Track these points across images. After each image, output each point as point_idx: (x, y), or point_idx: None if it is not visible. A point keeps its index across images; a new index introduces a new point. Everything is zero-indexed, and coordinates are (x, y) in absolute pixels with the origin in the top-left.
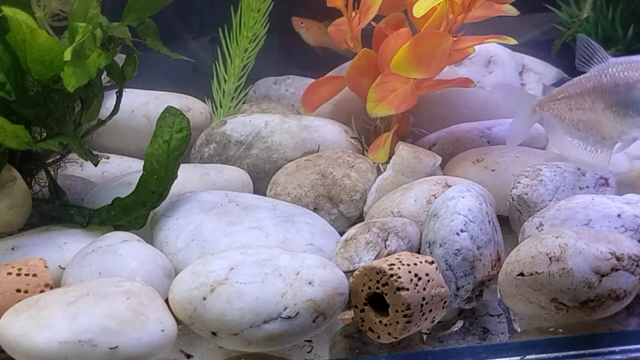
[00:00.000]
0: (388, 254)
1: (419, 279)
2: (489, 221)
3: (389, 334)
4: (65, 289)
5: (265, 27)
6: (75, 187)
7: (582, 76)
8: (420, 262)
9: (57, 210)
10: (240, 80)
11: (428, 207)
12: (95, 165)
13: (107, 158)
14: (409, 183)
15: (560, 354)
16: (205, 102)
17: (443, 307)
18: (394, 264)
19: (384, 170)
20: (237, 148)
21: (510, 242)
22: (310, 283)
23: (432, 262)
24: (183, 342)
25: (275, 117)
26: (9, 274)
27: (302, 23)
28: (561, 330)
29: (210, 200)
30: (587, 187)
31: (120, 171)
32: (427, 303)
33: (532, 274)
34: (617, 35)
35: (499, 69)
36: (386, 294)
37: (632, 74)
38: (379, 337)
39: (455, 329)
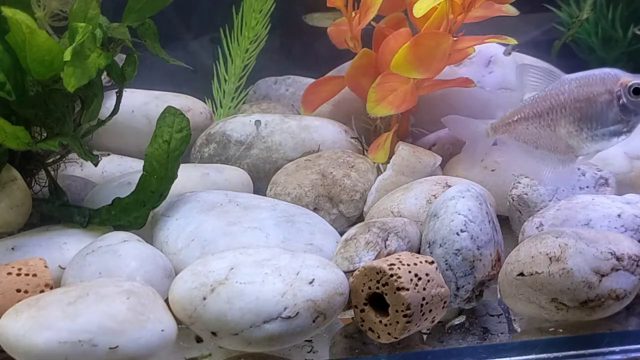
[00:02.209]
0: (388, 254)
1: (419, 279)
2: (489, 221)
3: (389, 334)
4: (65, 289)
5: (266, 27)
6: (75, 187)
7: (535, 96)
8: (420, 262)
9: (57, 210)
10: (241, 80)
11: (428, 207)
12: (95, 165)
13: (108, 154)
14: (409, 183)
15: (560, 354)
16: (205, 102)
17: (443, 307)
18: (394, 264)
19: (384, 170)
20: (237, 148)
21: (510, 242)
22: (310, 283)
23: (432, 262)
24: (183, 342)
25: (275, 117)
26: (9, 274)
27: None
28: (561, 330)
29: (210, 200)
30: (587, 187)
31: (120, 171)
32: (427, 303)
33: (532, 274)
34: (617, 35)
35: (499, 69)
36: (386, 294)
37: (592, 88)
38: (379, 337)
39: (457, 322)
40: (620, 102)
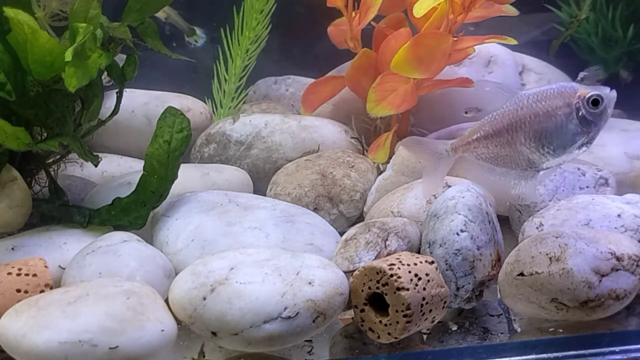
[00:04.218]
0: (388, 254)
1: (419, 279)
2: (489, 221)
3: (389, 334)
4: (65, 289)
5: (267, 28)
6: (75, 187)
7: (493, 114)
8: (420, 262)
9: (57, 210)
10: (241, 80)
11: (428, 207)
12: (96, 165)
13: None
14: (409, 183)
15: (560, 354)
16: (205, 102)
17: (443, 307)
18: (394, 264)
19: (384, 170)
20: (237, 148)
21: (510, 242)
22: (310, 283)
23: (432, 262)
24: (183, 342)
25: (275, 117)
26: (9, 274)
27: None
28: (561, 330)
29: (210, 200)
30: (587, 187)
31: (120, 171)
32: (427, 303)
33: (532, 274)
34: (617, 35)
35: (499, 69)
36: (386, 294)
37: (550, 102)
38: (379, 337)
39: (453, 329)
40: (580, 114)
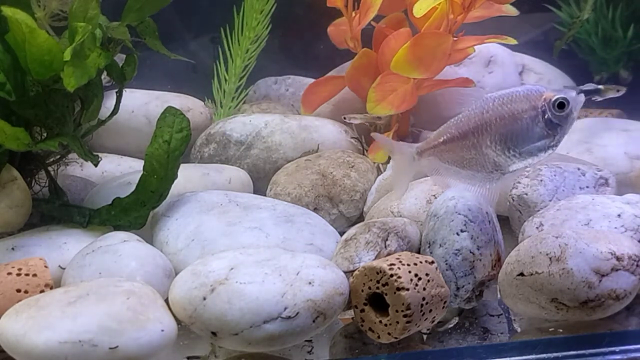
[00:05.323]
0: (388, 254)
1: (419, 279)
2: (489, 221)
3: (389, 334)
4: (65, 289)
5: (267, 28)
6: (75, 187)
7: (459, 117)
8: (420, 262)
9: (57, 210)
10: (241, 80)
11: (428, 207)
12: (96, 165)
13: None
14: None
15: (560, 354)
16: (205, 102)
17: (443, 307)
18: (394, 264)
19: (384, 170)
20: (237, 148)
21: (510, 242)
22: (310, 283)
23: (432, 262)
24: (183, 342)
25: (275, 117)
26: (9, 274)
27: None
28: (561, 330)
29: (210, 200)
30: (587, 187)
31: (120, 171)
32: (427, 303)
33: (532, 274)
34: (617, 35)
35: (499, 69)
36: (386, 294)
37: (516, 105)
38: (379, 337)
39: (451, 325)
40: (546, 117)
